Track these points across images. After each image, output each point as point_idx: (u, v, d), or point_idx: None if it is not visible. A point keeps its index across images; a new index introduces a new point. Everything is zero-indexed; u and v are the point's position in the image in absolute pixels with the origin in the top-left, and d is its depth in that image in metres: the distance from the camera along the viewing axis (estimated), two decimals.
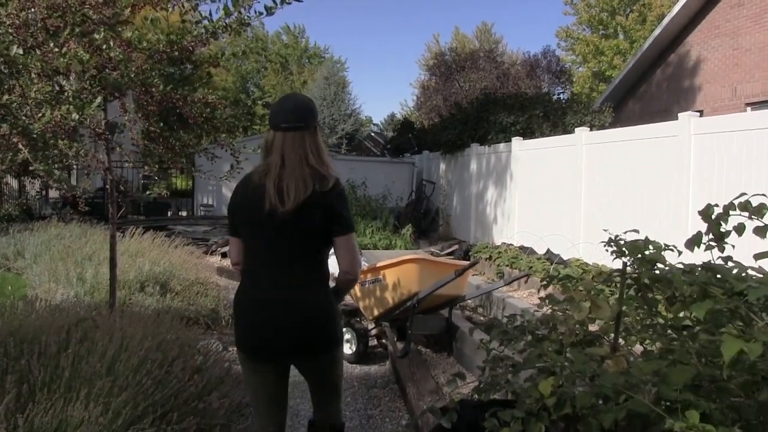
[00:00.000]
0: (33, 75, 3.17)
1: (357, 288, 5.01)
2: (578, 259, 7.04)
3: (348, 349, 4.86)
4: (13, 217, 11.31)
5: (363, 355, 4.90)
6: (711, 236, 1.85)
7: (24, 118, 3.07)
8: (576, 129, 7.98)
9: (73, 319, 3.13)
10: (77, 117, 3.04)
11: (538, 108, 10.57)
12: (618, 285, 1.99)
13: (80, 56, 2.97)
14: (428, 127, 16.59)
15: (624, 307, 2.00)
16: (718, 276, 1.65)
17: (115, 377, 2.61)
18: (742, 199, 1.76)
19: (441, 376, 4.59)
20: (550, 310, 2.38)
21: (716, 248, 1.79)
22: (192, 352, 3.67)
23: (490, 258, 8.32)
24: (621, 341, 2.08)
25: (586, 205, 7.49)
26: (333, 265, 2.16)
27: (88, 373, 2.53)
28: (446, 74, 19.33)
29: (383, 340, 5.29)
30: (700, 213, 1.88)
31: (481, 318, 6.57)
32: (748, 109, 9.89)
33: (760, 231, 1.65)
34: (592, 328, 2.20)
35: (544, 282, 2.47)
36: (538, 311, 2.57)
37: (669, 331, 2.03)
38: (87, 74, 3.29)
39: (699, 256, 1.87)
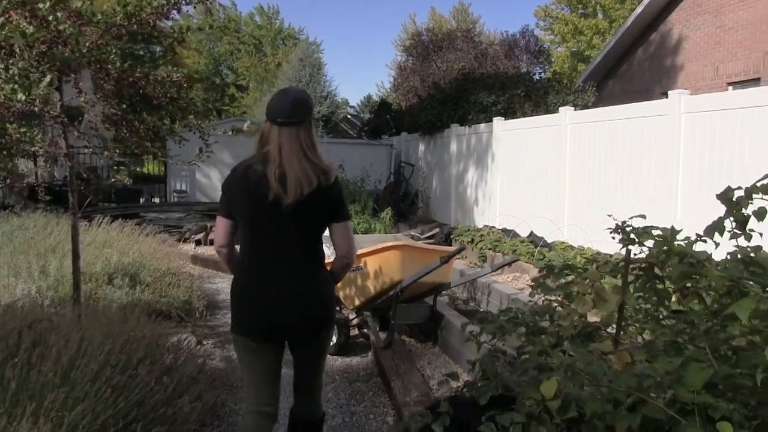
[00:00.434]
0: None
1: None
2: (563, 242, 6.89)
3: None
4: None
5: (344, 347, 4.69)
6: (732, 223, 1.67)
7: None
8: (560, 108, 7.77)
9: (26, 321, 2.85)
10: (23, 98, 2.73)
11: (519, 87, 10.35)
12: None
13: (22, 28, 2.65)
14: (406, 109, 16.27)
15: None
16: (752, 269, 1.45)
17: (72, 387, 2.35)
18: (765, 181, 1.59)
19: (427, 367, 4.40)
20: (542, 300, 2.25)
21: (742, 237, 1.60)
22: (161, 351, 3.43)
23: (472, 241, 8.15)
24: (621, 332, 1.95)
25: (570, 187, 7.32)
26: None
27: (39, 383, 2.26)
28: (423, 55, 18.95)
29: (365, 330, 5.09)
30: (719, 197, 1.70)
31: (465, 305, 6.40)
32: (730, 88, 9.78)
33: None
34: (591, 318, 2.06)
35: (542, 273, 2.28)
36: (531, 300, 2.46)
37: (676, 323, 1.89)
38: (34, 50, 2.96)
39: (706, 246, 1.71)
